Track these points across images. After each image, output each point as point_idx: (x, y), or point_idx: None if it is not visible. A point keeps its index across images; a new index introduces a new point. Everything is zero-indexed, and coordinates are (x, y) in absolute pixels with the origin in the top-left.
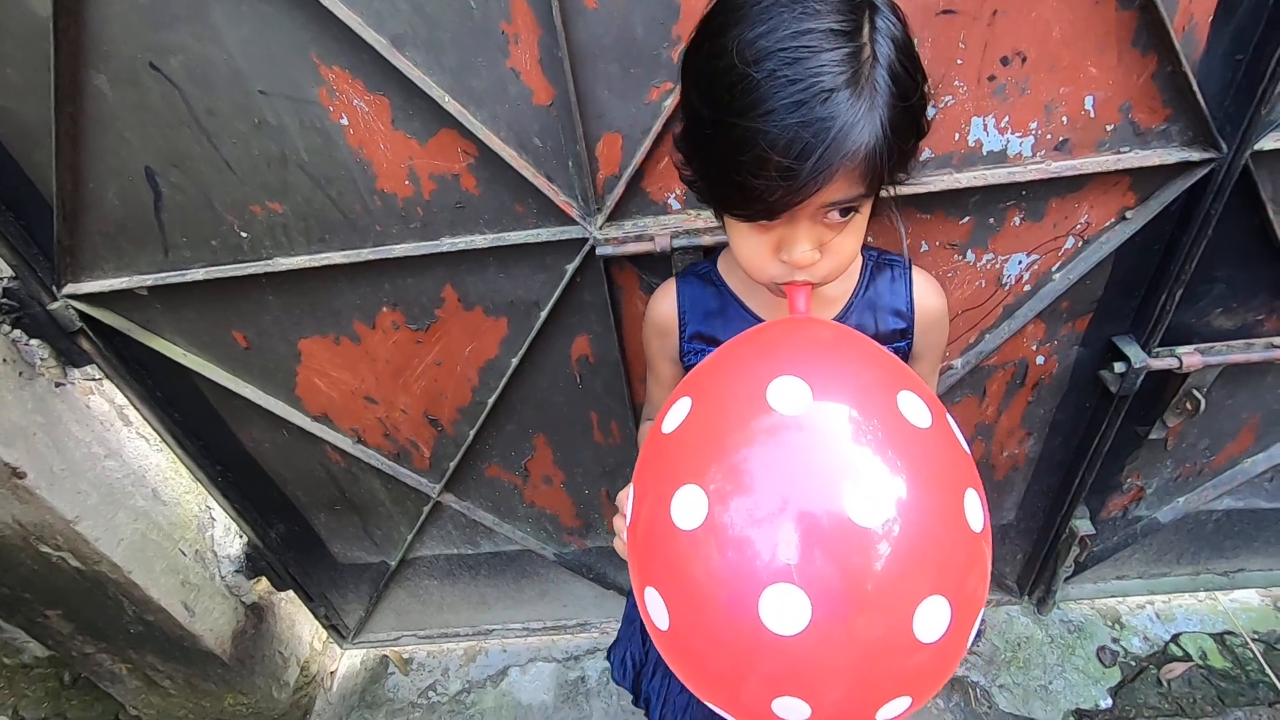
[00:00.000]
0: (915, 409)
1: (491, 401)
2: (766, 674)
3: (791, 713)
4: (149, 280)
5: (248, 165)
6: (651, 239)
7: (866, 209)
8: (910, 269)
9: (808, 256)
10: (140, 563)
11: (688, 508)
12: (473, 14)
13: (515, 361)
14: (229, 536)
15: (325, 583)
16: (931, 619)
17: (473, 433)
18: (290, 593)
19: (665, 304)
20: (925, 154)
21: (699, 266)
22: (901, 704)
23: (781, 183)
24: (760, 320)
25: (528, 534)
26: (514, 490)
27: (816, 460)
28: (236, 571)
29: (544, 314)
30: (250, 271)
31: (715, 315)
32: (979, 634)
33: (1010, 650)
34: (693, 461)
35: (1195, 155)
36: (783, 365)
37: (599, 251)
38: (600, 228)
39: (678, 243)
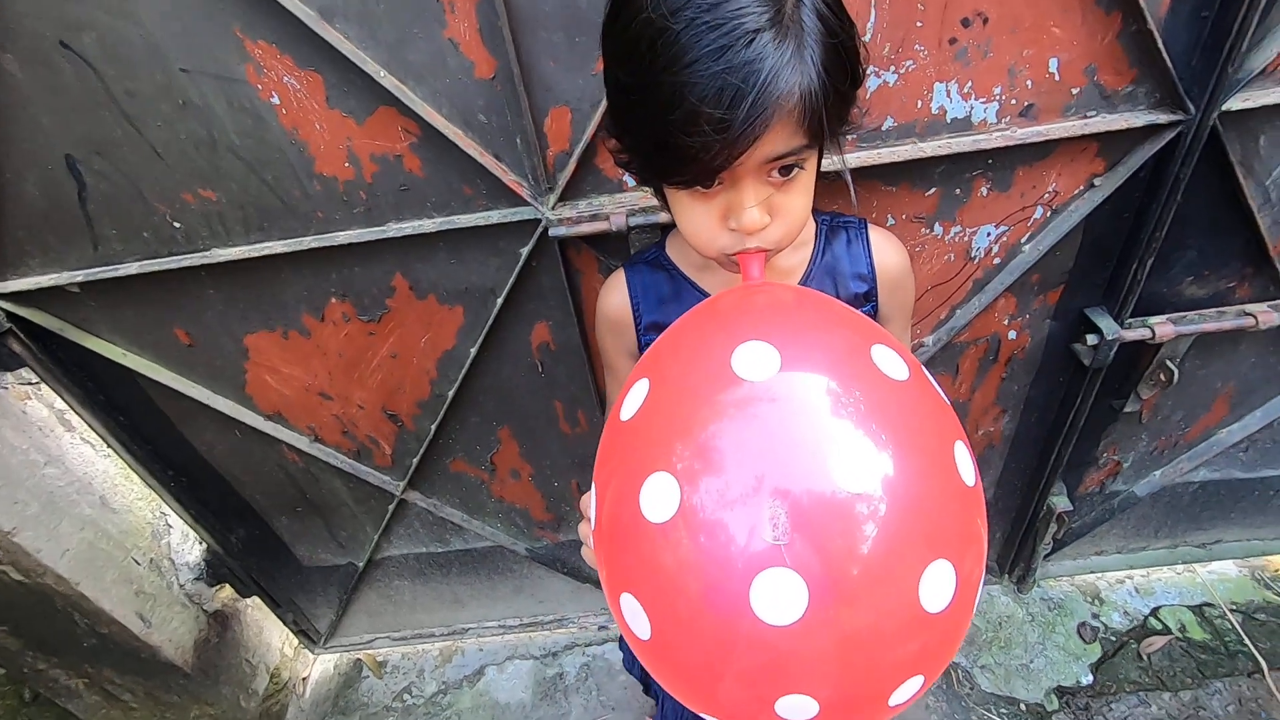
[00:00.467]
0: (891, 362)
1: (451, 394)
2: (766, 673)
3: (798, 713)
4: (79, 276)
5: (175, 150)
6: (607, 218)
7: (812, 165)
8: (866, 228)
9: (756, 220)
10: (89, 574)
11: (658, 498)
12: None
13: (474, 351)
14: (187, 543)
15: (292, 587)
16: (937, 586)
17: (434, 427)
18: (256, 599)
19: (615, 297)
20: (888, 122)
21: (647, 253)
22: (914, 685)
23: (716, 137)
24: None
25: (498, 530)
26: (481, 485)
27: (795, 428)
28: (196, 579)
29: (500, 301)
30: (187, 264)
31: (669, 300)
32: None
33: (991, 630)
34: (658, 446)
35: (1163, 117)
36: (745, 332)
37: (552, 233)
38: (553, 208)
39: (634, 221)
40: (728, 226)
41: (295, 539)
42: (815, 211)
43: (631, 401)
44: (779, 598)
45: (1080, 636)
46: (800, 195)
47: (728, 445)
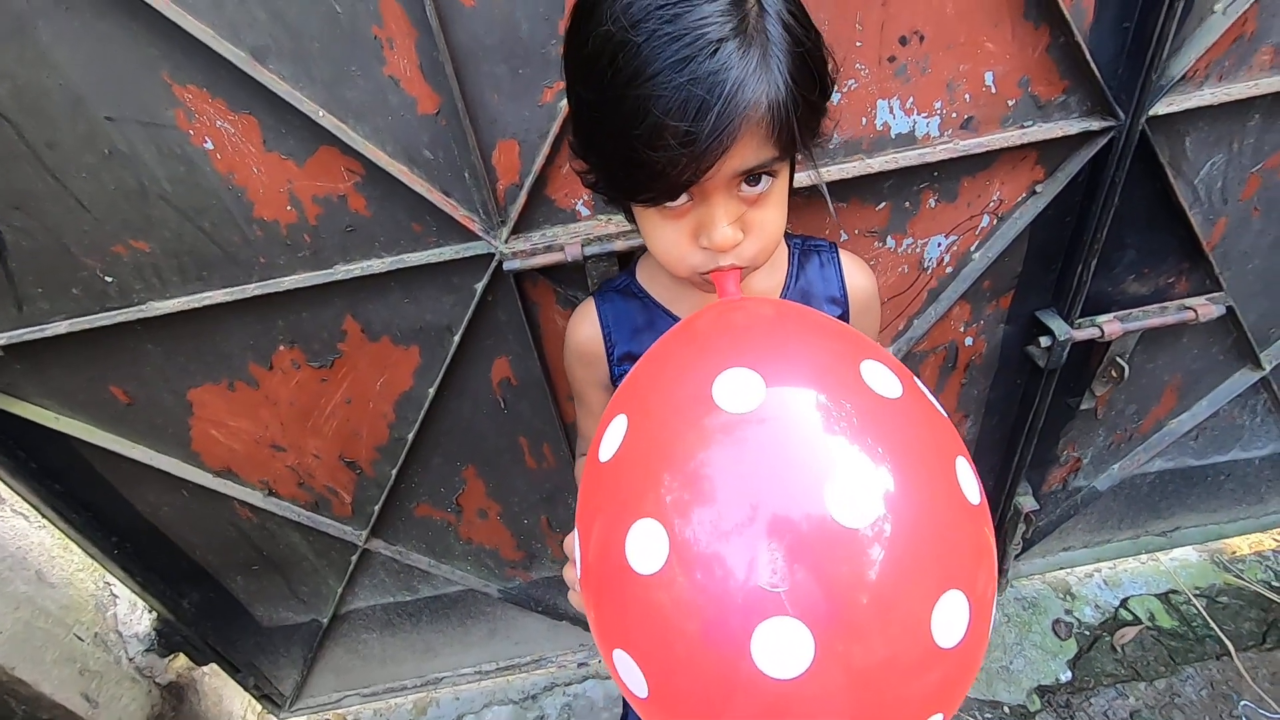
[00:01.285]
0: (882, 378)
1: (411, 437)
2: None
3: None
4: (3, 339)
5: (103, 201)
6: (562, 249)
7: (784, 178)
8: (837, 251)
9: (729, 237)
10: (25, 656)
11: (645, 547)
12: (339, 19)
13: (432, 391)
14: (135, 613)
15: (252, 650)
16: (951, 619)
17: (395, 472)
18: (213, 666)
19: (586, 328)
20: (835, 140)
21: (616, 281)
22: None
23: (683, 150)
24: None
25: (468, 572)
26: (448, 528)
27: (785, 461)
28: (147, 650)
29: (457, 338)
30: (121, 319)
31: (644, 330)
32: None
33: None
34: (641, 491)
35: (1095, 124)
36: (725, 357)
37: (507, 266)
38: (506, 241)
39: (589, 250)
40: (700, 245)
41: (253, 599)
42: (786, 235)
43: (610, 440)
44: (783, 649)
45: (1056, 633)
46: (774, 210)
47: (715, 485)
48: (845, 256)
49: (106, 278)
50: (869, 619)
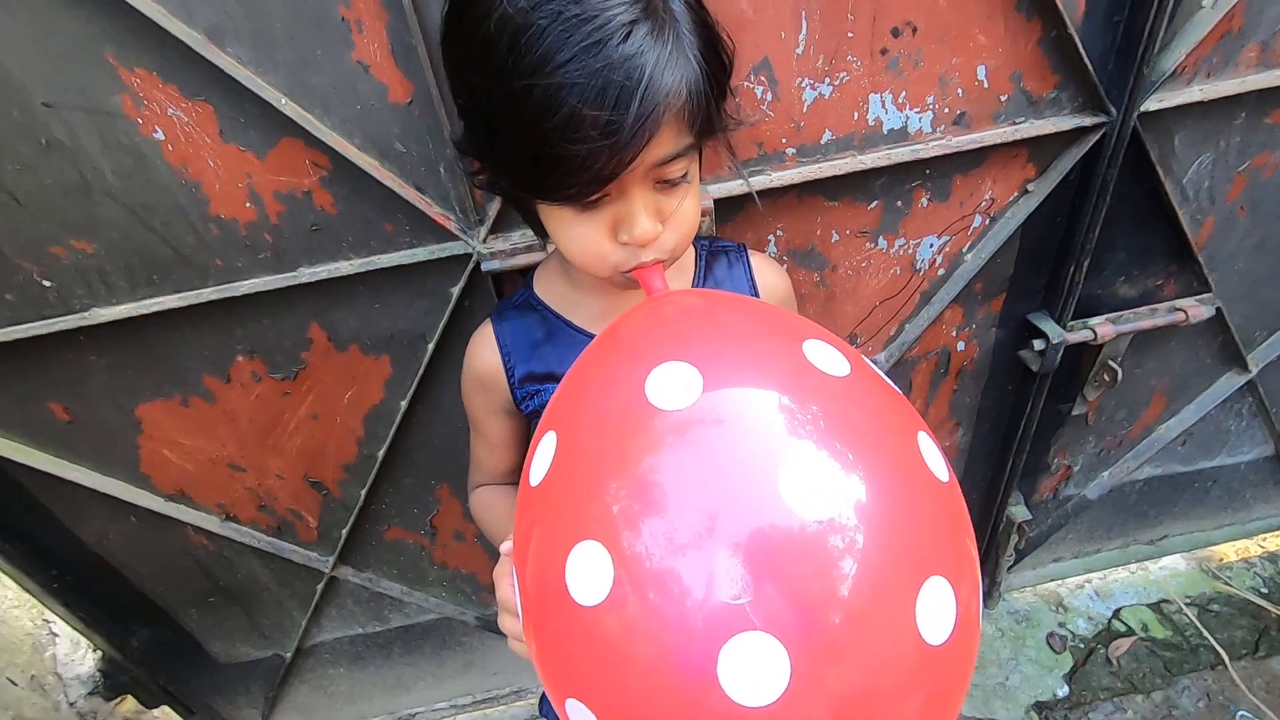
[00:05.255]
0: (828, 357)
1: (382, 454)
2: None
3: None
4: None
5: (40, 197)
6: (544, 247)
7: (696, 166)
8: (745, 252)
9: (650, 230)
10: None
11: (586, 574)
12: None
13: (404, 405)
14: (78, 653)
15: (207, 690)
16: (937, 610)
17: (364, 493)
18: (165, 709)
19: (484, 353)
20: (826, 135)
21: (514, 296)
22: None
23: (605, 141)
24: (594, 336)
25: (443, 599)
26: (421, 552)
27: (733, 458)
28: (90, 693)
29: (431, 346)
30: (61, 328)
31: (543, 344)
32: None
33: None
34: (577, 510)
35: (1087, 120)
36: (656, 353)
37: (485, 267)
38: (484, 240)
39: None
40: (619, 241)
41: (209, 634)
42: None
43: (540, 461)
44: (754, 670)
45: (1050, 647)
46: (690, 198)
47: (659, 492)
48: (755, 256)
49: (44, 282)
50: (847, 622)
